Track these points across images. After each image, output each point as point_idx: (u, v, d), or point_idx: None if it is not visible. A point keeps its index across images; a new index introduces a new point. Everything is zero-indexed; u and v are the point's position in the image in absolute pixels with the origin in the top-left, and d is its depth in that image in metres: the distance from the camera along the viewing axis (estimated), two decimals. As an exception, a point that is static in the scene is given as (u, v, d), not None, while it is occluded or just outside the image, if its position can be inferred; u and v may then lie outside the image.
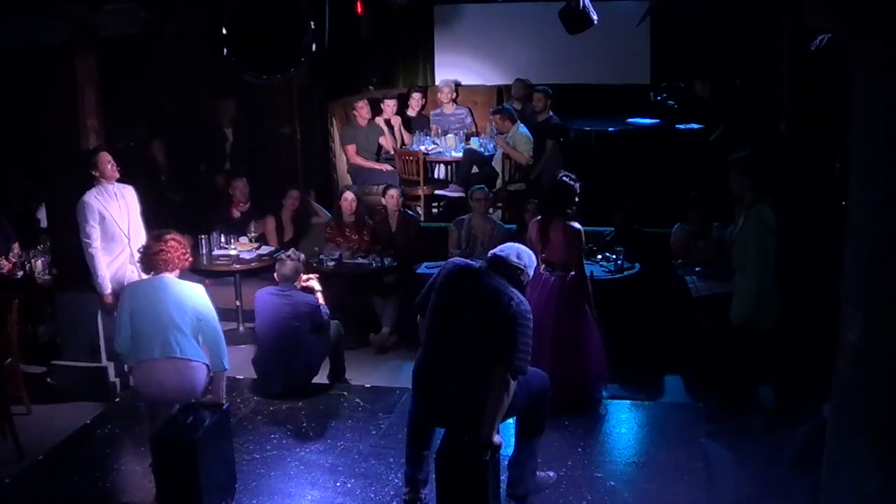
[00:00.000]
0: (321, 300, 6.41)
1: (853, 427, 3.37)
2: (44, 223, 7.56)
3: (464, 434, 4.38)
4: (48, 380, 6.72)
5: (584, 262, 6.85)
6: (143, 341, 4.89)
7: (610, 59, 10.22)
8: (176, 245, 5.03)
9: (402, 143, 10.00)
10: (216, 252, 7.75)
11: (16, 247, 7.35)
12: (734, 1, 8.49)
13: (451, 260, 4.91)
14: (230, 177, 8.59)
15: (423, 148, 9.65)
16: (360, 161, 9.65)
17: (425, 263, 7.62)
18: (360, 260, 7.71)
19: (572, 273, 5.94)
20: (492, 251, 4.62)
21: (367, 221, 8.17)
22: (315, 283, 6.47)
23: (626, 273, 7.10)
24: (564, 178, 6.01)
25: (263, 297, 6.36)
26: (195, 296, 5.00)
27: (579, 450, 5.49)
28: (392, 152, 9.81)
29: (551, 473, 5.09)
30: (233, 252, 7.77)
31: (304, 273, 6.50)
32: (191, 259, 5.27)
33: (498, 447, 4.47)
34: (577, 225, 5.88)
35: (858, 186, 3.32)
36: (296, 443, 5.66)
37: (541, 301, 5.78)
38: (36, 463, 5.54)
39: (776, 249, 5.50)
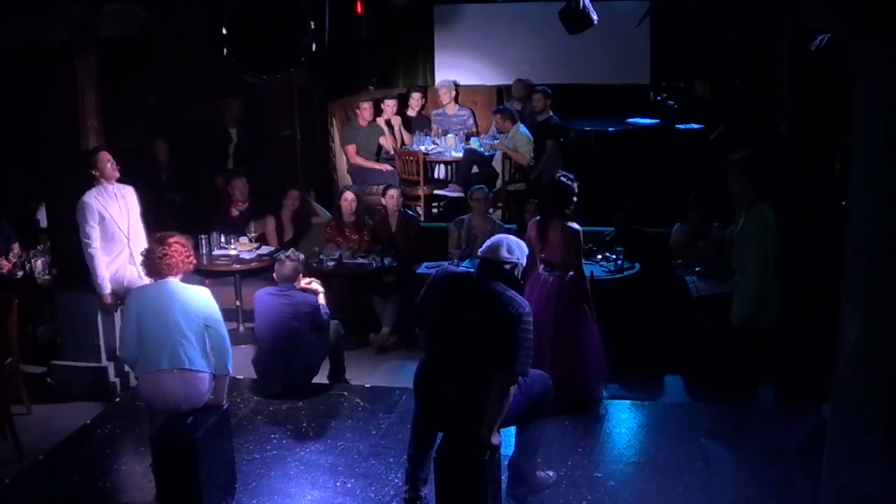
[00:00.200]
0: (322, 301, 6.41)
1: (853, 427, 3.37)
2: (44, 223, 7.56)
3: (464, 436, 4.38)
4: (48, 380, 6.72)
5: (584, 262, 6.86)
6: (150, 351, 4.80)
7: (610, 59, 10.22)
8: (180, 248, 4.96)
9: (402, 143, 10.00)
10: (216, 252, 7.75)
11: (16, 247, 7.35)
12: (734, 1, 8.49)
13: (441, 269, 4.91)
14: (230, 176, 8.60)
15: (423, 148, 9.66)
16: (360, 161, 9.65)
17: (425, 263, 7.62)
18: (360, 260, 7.71)
19: (571, 273, 5.95)
20: (480, 253, 4.56)
21: (367, 221, 8.17)
22: (317, 286, 6.46)
23: (626, 273, 7.10)
24: (562, 178, 6.01)
25: (263, 298, 6.37)
26: (202, 301, 4.92)
27: (579, 450, 5.49)
28: (392, 152, 9.81)
29: (551, 473, 5.10)
30: (233, 252, 7.78)
31: (304, 273, 6.50)
32: (194, 261, 5.21)
33: (498, 447, 4.47)
34: (575, 225, 5.88)
35: (858, 186, 3.32)
36: (296, 443, 5.66)
37: (540, 301, 5.78)
38: (36, 463, 5.54)
39: (776, 249, 5.50)
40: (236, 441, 5.43)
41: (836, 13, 3.57)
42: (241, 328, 7.66)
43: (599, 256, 7.28)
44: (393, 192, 8.14)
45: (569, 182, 5.98)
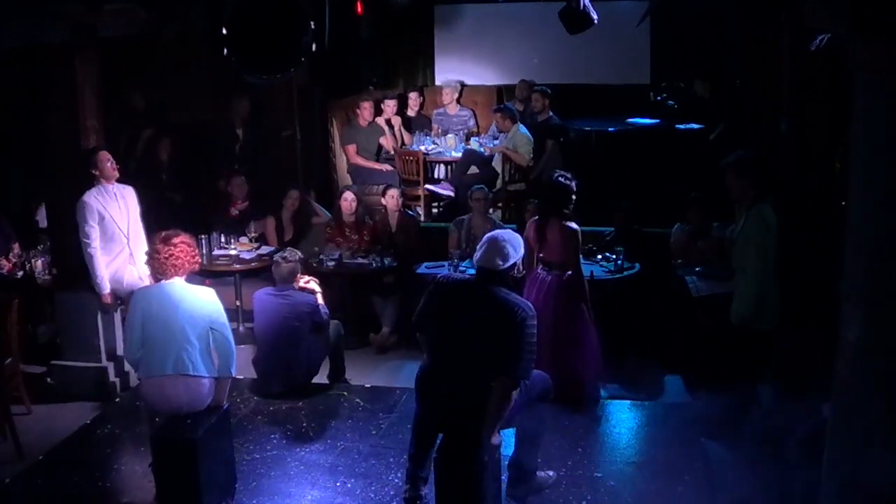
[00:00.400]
0: (320, 300, 6.41)
1: (853, 427, 3.37)
2: (44, 223, 7.56)
3: (464, 436, 4.38)
4: (48, 380, 6.72)
5: (584, 262, 6.86)
6: (154, 355, 4.77)
7: (610, 59, 10.22)
8: (185, 248, 4.91)
9: (402, 143, 10.00)
10: (216, 252, 7.75)
11: (16, 247, 7.34)
12: (734, 1, 8.48)
13: (441, 275, 4.91)
14: (229, 175, 8.59)
15: (423, 148, 9.66)
16: (360, 161, 9.65)
17: (425, 263, 7.63)
18: (360, 260, 7.71)
19: (569, 273, 5.95)
20: (476, 261, 4.52)
21: (367, 221, 8.17)
22: (314, 286, 6.46)
23: (626, 273, 7.10)
24: (561, 178, 6.02)
25: (262, 298, 6.37)
26: (207, 303, 4.88)
27: (579, 450, 5.49)
28: (392, 152, 9.81)
29: (551, 473, 5.10)
30: (233, 252, 7.78)
31: (303, 272, 6.50)
32: (199, 261, 5.15)
33: (498, 447, 4.47)
34: (573, 225, 5.89)
35: (858, 186, 3.31)
36: (296, 443, 5.66)
37: (538, 301, 5.79)
38: (36, 463, 5.54)
39: (776, 249, 5.51)
40: (236, 441, 5.43)
41: (836, 13, 3.57)
42: (241, 328, 7.66)
43: (599, 256, 7.28)
44: (393, 192, 8.14)
45: (567, 182, 5.98)
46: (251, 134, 9.19)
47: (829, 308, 3.83)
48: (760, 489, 4.89)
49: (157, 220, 6.70)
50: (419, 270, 7.51)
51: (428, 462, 4.72)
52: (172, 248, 4.86)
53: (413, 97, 10.37)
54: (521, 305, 4.34)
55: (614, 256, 7.18)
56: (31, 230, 7.76)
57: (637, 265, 7.21)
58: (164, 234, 4.96)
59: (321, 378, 6.54)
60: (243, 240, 7.94)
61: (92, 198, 6.24)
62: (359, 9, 9.47)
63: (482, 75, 10.85)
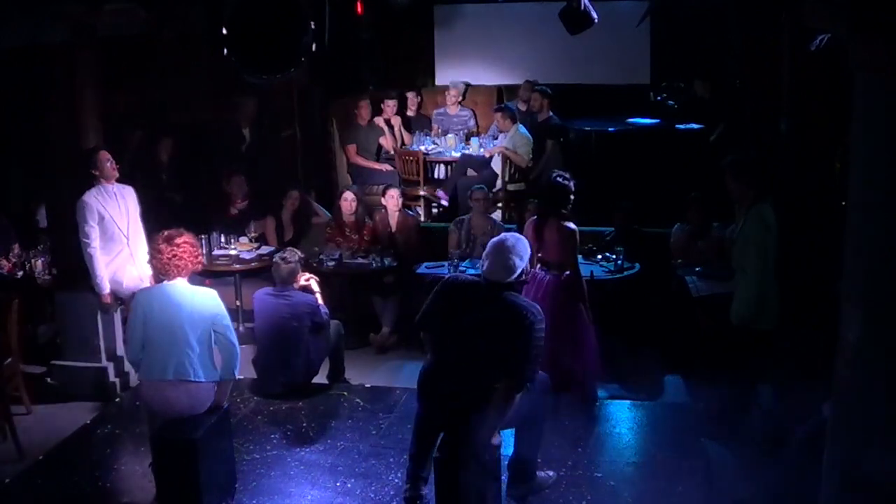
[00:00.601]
0: (320, 301, 6.41)
1: (853, 427, 3.37)
2: (44, 223, 7.56)
3: (465, 436, 4.38)
4: (48, 380, 6.72)
5: (585, 262, 6.88)
6: (156, 359, 4.75)
7: (610, 59, 10.21)
8: (188, 248, 4.86)
9: (402, 143, 10.00)
10: (216, 252, 7.75)
11: (16, 247, 7.35)
12: (734, 1, 8.48)
13: (449, 276, 4.91)
14: (229, 174, 8.59)
15: (423, 148, 9.66)
16: (360, 161, 9.65)
17: (425, 263, 7.63)
18: (360, 260, 7.71)
19: (567, 273, 5.96)
20: (484, 274, 4.47)
21: (367, 221, 8.17)
22: (314, 285, 6.46)
23: (626, 273, 7.11)
24: (559, 178, 6.03)
25: (262, 298, 6.37)
26: (210, 306, 4.82)
27: (579, 450, 5.49)
28: (392, 152, 9.81)
29: (551, 473, 5.10)
30: (233, 252, 7.79)
31: (303, 271, 6.49)
32: (202, 261, 5.09)
33: (498, 447, 4.47)
34: (571, 225, 5.90)
35: (858, 186, 3.31)
36: (296, 443, 5.66)
37: (536, 300, 5.77)
38: (36, 463, 5.54)
39: (776, 249, 5.51)
40: (236, 441, 5.43)
41: (836, 13, 3.56)
42: (241, 328, 7.66)
43: (599, 256, 7.28)
44: (393, 192, 8.14)
45: (565, 182, 5.99)
46: (256, 134, 9.19)
47: (829, 308, 3.83)
48: (760, 489, 4.89)
49: (157, 220, 6.70)
50: (419, 270, 7.52)
51: (429, 462, 4.71)
52: (175, 248, 4.82)
53: (410, 97, 10.38)
54: (530, 309, 4.33)
55: (614, 256, 7.18)
56: (31, 230, 7.76)
57: (637, 265, 7.21)
58: (166, 233, 4.90)
59: (321, 378, 6.54)
60: (243, 240, 7.94)
61: (92, 198, 6.24)
62: (359, 9, 9.48)
63: (482, 75, 10.85)
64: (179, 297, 4.81)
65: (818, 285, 5.99)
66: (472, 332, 4.37)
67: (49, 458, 5.58)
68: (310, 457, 5.50)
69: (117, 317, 6.71)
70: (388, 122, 9.98)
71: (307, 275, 6.51)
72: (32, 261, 7.29)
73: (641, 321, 7.13)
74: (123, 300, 6.51)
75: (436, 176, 10.18)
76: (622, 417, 6.04)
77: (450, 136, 9.87)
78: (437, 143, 9.83)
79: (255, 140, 9.15)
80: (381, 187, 8.55)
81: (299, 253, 6.55)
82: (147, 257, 5.09)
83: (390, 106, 10.01)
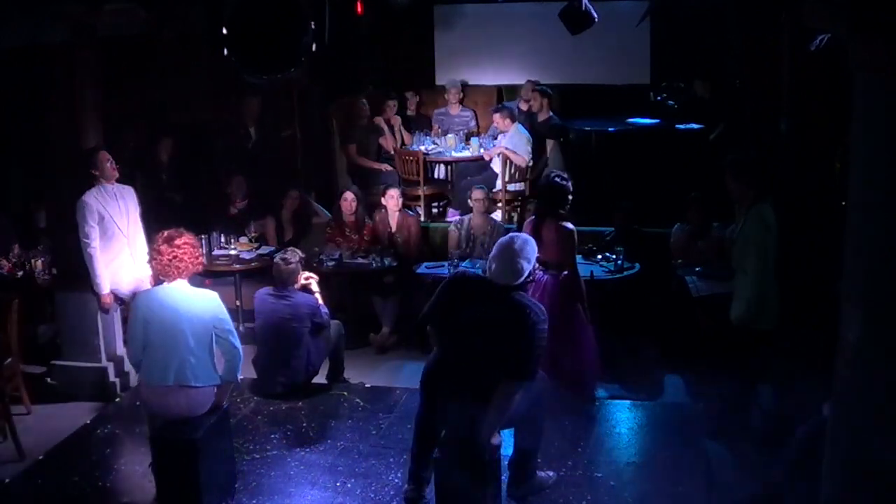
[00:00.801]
0: (320, 300, 6.41)
1: (853, 427, 3.37)
2: (43, 223, 7.56)
3: (465, 436, 4.38)
4: (48, 380, 6.72)
5: (585, 262, 6.88)
6: (156, 363, 4.73)
7: (610, 59, 10.21)
8: (189, 249, 4.81)
9: (402, 143, 10.00)
10: (216, 252, 7.76)
11: (16, 247, 7.35)
12: (734, 1, 8.49)
13: (457, 271, 4.93)
14: (229, 173, 8.59)
15: (423, 148, 9.65)
16: (360, 161, 9.65)
17: (425, 263, 7.64)
18: (360, 260, 7.71)
19: (565, 273, 5.96)
20: (491, 277, 4.45)
21: (367, 221, 8.17)
22: (314, 285, 6.46)
23: (626, 273, 7.10)
24: (557, 178, 6.05)
25: (263, 298, 6.37)
26: (211, 308, 4.79)
27: (579, 450, 5.49)
28: (392, 152, 9.81)
29: (551, 473, 5.10)
30: (233, 252, 7.79)
31: (304, 272, 6.49)
32: (203, 261, 5.04)
33: (498, 447, 4.47)
34: (569, 225, 5.91)
35: (858, 186, 3.31)
36: (296, 443, 5.66)
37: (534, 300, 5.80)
38: (36, 463, 5.54)
39: (776, 249, 5.51)
40: (236, 441, 5.43)
41: (836, 13, 3.56)
42: (241, 328, 7.66)
43: (599, 256, 7.28)
44: (393, 192, 8.13)
45: (563, 182, 6.00)
46: (261, 132, 9.20)
47: (829, 308, 3.83)
48: (760, 490, 4.89)
49: (157, 220, 6.70)
50: (419, 270, 7.52)
51: (430, 461, 4.71)
52: (176, 249, 4.78)
53: (411, 97, 10.37)
54: (533, 308, 4.34)
55: (614, 256, 7.18)
56: (31, 230, 7.76)
57: (637, 265, 7.21)
58: (166, 234, 4.86)
59: (321, 378, 6.54)
60: (243, 240, 7.94)
61: (92, 198, 6.24)
62: (359, 9, 9.47)
63: (482, 75, 10.84)
64: (180, 300, 4.78)
65: (818, 285, 6.00)
66: (476, 328, 4.38)
67: (49, 458, 5.58)
68: (310, 457, 5.49)
69: (117, 317, 6.71)
70: (388, 122, 9.98)
71: (307, 274, 6.51)
72: (32, 261, 7.28)
73: (641, 321, 7.13)
74: (123, 300, 6.51)
75: (436, 176, 10.18)
76: (622, 417, 6.04)
77: (450, 136, 9.86)
78: (437, 143, 9.82)
79: (260, 138, 9.14)
80: (381, 187, 8.54)
81: (300, 253, 6.54)
82: (147, 257, 5.06)
83: (390, 106, 10.01)
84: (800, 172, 7.00)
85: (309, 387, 6.36)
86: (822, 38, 5.73)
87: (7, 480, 5.35)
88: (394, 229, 8.09)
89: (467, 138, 9.90)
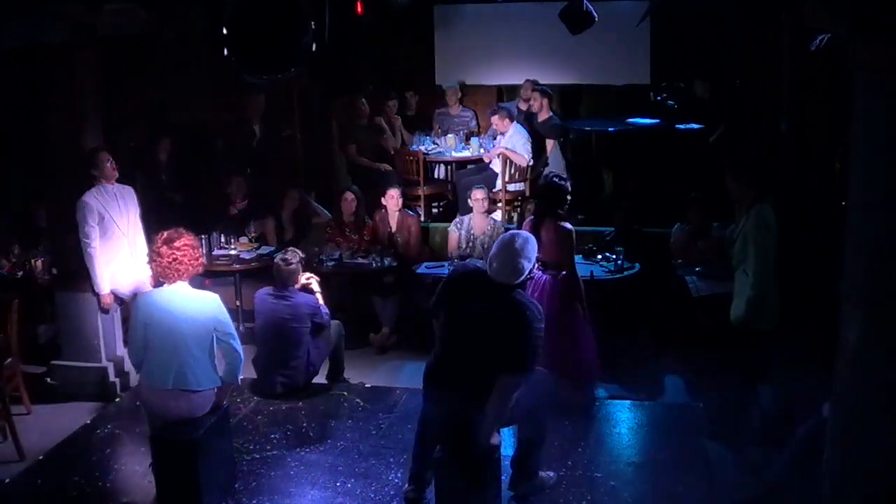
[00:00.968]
0: (321, 300, 6.41)
1: (853, 427, 3.37)
2: (44, 223, 7.56)
3: (465, 434, 4.38)
4: (48, 380, 6.72)
5: (585, 262, 6.88)
6: (157, 366, 4.71)
7: (610, 59, 10.21)
8: (189, 251, 4.77)
9: (402, 143, 10.00)
10: (216, 252, 7.75)
11: (16, 247, 7.35)
12: (734, 1, 8.49)
13: (460, 264, 4.92)
14: (229, 173, 8.59)
15: (423, 148, 9.65)
16: (360, 161, 9.65)
17: (425, 263, 7.63)
18: (360, 260, 7.71)
19: (564, 273, 5.96)
20: (491, 275, 4.44)
21: (367, 221, 8.17)
22: (315, 285, 6.46)
23: (626, 273, 7.10)
24: (555, 178, 6.07)
25: (263, 298, 6.36)
26: (211, 311, 4.75)
27: (579, 450, 5.49)
28: (392, 152, 9.81)
29: (551, 473, 5.10)
30: (233, 252, 7.78)
31: (304, 272, 6.49)
32: (203, 262, 4.99)
33: (498, 447, 4.47)
34: (568, 225, 5.92)
35: (858, 186, 3.31)
36: (296, 443, 5.66)
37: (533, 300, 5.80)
38: (36, 463, 5.54)
39: (776, 249, 5.51)
40: (236, 441, 5.43)
41: (836, 13, 3.56)
42: (241, 328, 7.66)
43: (599, 256, 7.28)
44: (393, 192, 8.13)
45: (561, 182, 6.02)
46: (266, 130, 9.20)
47: (829, 308, 3.83)
48: (760, 489, 4.89)
49: (157, 220, 6.71)
50: (419, 270, 7.52)
51: (431, 462, 4.71)
52: (175, 251, 4.74)
53: (411, 97, 10.37)
54: (529, 306, 4.34)
55: (614, 256, 7.18)
56: (31, 230, 7.77)
57: (637, 265, 7.21)
58: (166, 235, 4.82)
59: (321, 378, 6.54)
60: (243, 240, 7.94)
61: (92, 198, 6.24)
62: (359, 9, 9.47)
63: (482, 75, 10.84)
64: (180, 303, 4.75)
65: (818, 285, 6.00)
66: (474, 325, 4.39)
67: (49, 458, 5.57)
68: (310, 457, 5.49)
69: (117, 317, 6.71)
70: (388, 122, 9.98)
71: (307, 274, 6.51)
72: (32, 261, 7.29)
73: (641, 321, 7.13)
74: (124, 300, 6.52)
75: (436, 176, 10.18)
76: (622, 417, 6.04)
77: (450, 136, 9.86)
78: (437, 143, 9.83)
79: (264, 136, 9.15)
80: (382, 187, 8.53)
81: (300, 253, 6.53)
82: (147, 258, 5.04)
83: (390, 106, 10.01)
84: (800, 172, 7.00)
85: (309, 387, 6.36)
86: (822, 38, 5.73)
87: (7, 480, 5.35)
88: (394, 229, 8.09)
89: (467, 138, 9.90)
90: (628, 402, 6.31)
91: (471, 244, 7.70)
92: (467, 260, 7.20)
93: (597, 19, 6.67)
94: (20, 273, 7.24)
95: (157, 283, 4.97)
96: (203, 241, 7.55)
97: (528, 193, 9.13)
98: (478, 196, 7.77)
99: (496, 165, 9.27)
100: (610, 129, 9.67)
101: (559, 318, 5.91)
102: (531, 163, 9.12)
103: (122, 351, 6.74)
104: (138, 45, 7.56)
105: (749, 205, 5.53)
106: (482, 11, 10.69)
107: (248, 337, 7.26)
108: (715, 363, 6.10)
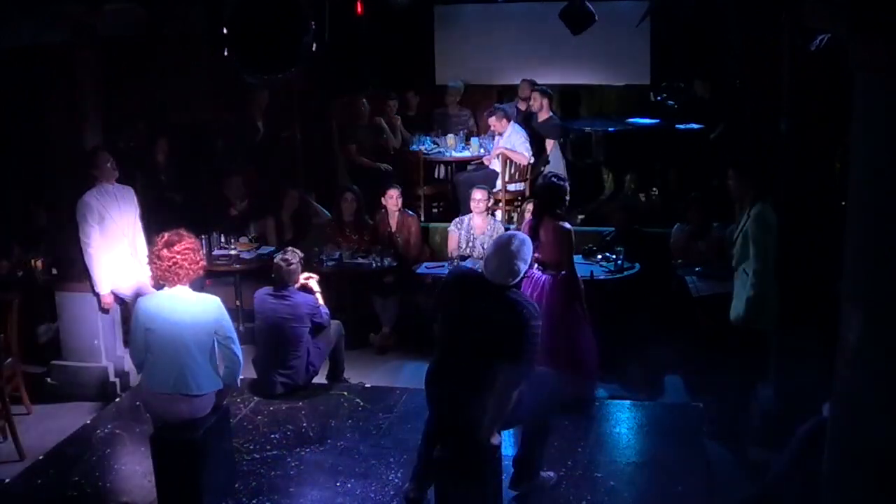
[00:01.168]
0: (320, 300, 6.40)
1: (853, 427, 3.37)
2: (44, 223, 7.56)
3: (465, 435, 4.38)
4: (48, 380, 6.72)
5: (584, 262, 6.88)
6: (158, 370, 4.70)
7: (610, 59, 10.21)
8: (189, 255, 4.74)
9: (403, 143, 10.00)
10: (216, 252, 7.75)
11: (16, 247, 7.35)
12: (734, 1, 8.48)
13: (456, 266, 4.93)
14: (229, 173, 8.58)
15: (423, 148, 9.65)
16: (360, 161, 9.65)
17: (425, 263, 7.64)
18: (360, 260, 7.71)
19: (563, 272, 5.97)
20: (488, 276, 4.45)
21: (367, 221, 8.17)
22: (314, 284, 6.46)
23: (626, 273, 7.10)
24: (553, 179, 6.07)
25: (262, 298, 6.36)
26: (213, 315, 4.74)
27: (579, 450, 5.49)
28: (392, 152, 9.81)
29: (551, 473, 5.10)
30: (233, 252, 7.78)
31: (304, 271, 6.49)
32: (204, 265, 4.95)
33: (498, 447, 4.47)
34: (567, 225, 5.93)
35: (858, 186, 3.31)
36: (296, 443, 5.66)
37: (533, 300, 5.79)
38: (36, 463, 5.53)
39: (776, 249, 5.51)
40: (236, 441, 5.43)
41: (836, 13, 3.57)
42: (241, 328, 7.66)
43: (599, 256, 7.28)
44: (393, 192, 8.13)
45: (560, 182, 6.02)
46: (268, 127, 9.19)
47: (829, 308, 3.83)
48: (760, 490, 4.89)
49: (157, 220, 6.70)
50: (419, 270, 7.52)
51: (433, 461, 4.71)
52: (176, 255, 4.70)
53: (412, 97, 10.37)
54: (526, 306, 4.35)
55: (614, 256, 7.18)
56: (31, 230, 7.77)
57: (637, 265, 7.21)
58: (166, 238, 4.78)
59: (321, 378, 6.54)
60: (243, 240, 7.94)
61: (92, 198, 6.24)
62: (359, 9, 9.46)
63: (482, 75, 10.83)
64: (181, 307, 4.73)
65: (818, 285, 6.00)
66: (472, 325, 4.39)
67: (49, 458, 5.57)
68: (310, 457, 5.49)
69: (117, 317, 6.72)
70: (388, 121, 9.98)
71: (306, 274, 6.51)
72: (32, 261, 7.29)
73: (641, 321, 7.13)
74: (124, 300, 6.52)
75: (436, 176, 10.17)
76: (622, 417, 6.04)
77: (450, 136, 9.86)
78: (437, 143, 9.83)
79: (268, 132, 9.14)
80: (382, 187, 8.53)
81: (300, 253, 6.54)
82: (147, 259, 5.02)
83: (391, 106, 10.01)
84: (800, 172, 6.98)
85: (309, 387, 6.36)
86: (822, 38, 5.73)
87: (7, 480, 5.35)
88: (394, 229, 8.09)
89: (467, 138, 9.90)
90: (628, 402, 6.31)
91: (471, 244, 7.69)
92: (465, 263, 7.21)
93: (596, 19, 6.66)
94: (20, 273, 7.24)
95: (158, 284, 4.96)
96: (203, 241, 7.56)
97: (528, 193, 9.13)
98: (476, 197, 7.76)
99: (496, 165, 9.27)
100: (610, 129, 9.67)
101: (559, 318, 5.91)
102: (531, 160, 9.10)
103: (122, 351, 6.74)
104: (138, 45, 7.56)
105: (749, 205, 5.53)
106: (482, 11, 10.68)
107: (248, 337, 7.27)
108: (715, 363, 6.09)
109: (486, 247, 7.32)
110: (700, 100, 9.59)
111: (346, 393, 6.36)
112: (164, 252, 4.72)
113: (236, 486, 5.09)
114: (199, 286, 5.05)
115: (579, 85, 10.51)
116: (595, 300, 6.19)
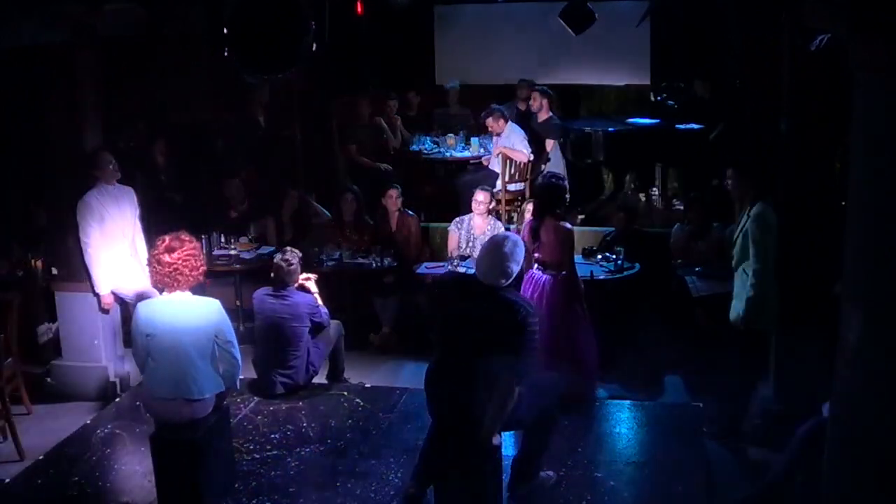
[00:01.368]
0: (319, 301, 6.40)
1: (853, 427, 3.38)
2: (44, 223, 7.56)
3: (465, 434, 4.39)
4: (48, 380, 6.72)
5: (584, 262, 6.88)
6: (159, 374, 4.68)
7: (610, 59, 10.21)
8: (190, 260, 4.71)
9: (403, 143, 10.00)
10: (216, 252, 7.75)
11: (16, 247, 7.34)
12: (734, 1, 8.48)
13: (452, 271, 4.94)
14: (229, 174, 8.58)
15: (423, 148, 9.65)
16: (360, 161, 9.65)
17: (425, 263, 7.64)
18: (360, 260, 7.71)
19: (564, 273, 5.97)
20: (480, 278, 4.46)
21: (367, 221, 8.17)
22: (311, 285, 6.45)
23: (626, 273, 7.10)
24: (553, 179, 6.07)
25: (262, 298, 6.36)
26: (213, 319, 4.73)
27: (579, 450, 5.49)
28: (392, 152, 9.80)
29: (551, 473, 5.10)
30: (233, 252, 7.78)
31: (303, 271, 6.48)
32: (205, 269, 4.91)
33: (498, 448, 4.47)
34: (567, 225, 5.93)
35: (858, 186, 3.32)
36: (296, 443, 5.66)
37: (533, 300, 5.80)
38: (36, 463, 5.53)
39: (776, 249, 5.51)
40: (236, 441, 5.43)
41: (836, 13, 3.57)
42: (241, 328, 7.66)
43: (599, 256, 7.28)
44: (393, 192, 8.13)
45: (559, 182, 6.02)
46: (270, 123, 9.19)
47: (829, 308, 3.84)
48: (760, 490, 4.89)
49: (157, 221, 6.70)
50: (419, 270, 7.52)
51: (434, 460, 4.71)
52: (177, 261, 4.67)
53: (412, 97, 10.37)
54: (522, 304, 4.36)
55: (614, 256, 7.18)
56: (31, 230, 7.77)
57: (637, 265, 7.21)
58: (167, 241, 4.74)
59: (321, 378, 6.54)
60: (243, 240, 7.94)
61: (92, 198, 6.24)
62: (359, 9, 9.46)
63: (482, 75, 10.83)
64: (181, 312, 4.72)
65: (818, 285, 6.00)
66: (469, 327, 4.40)
67: (49, 458, 5.57)
68: (310, 457, 5.49)
69: (117, 317, 6.71)
70: (388, 121, 9.98)
71: (305, 274, 6.51)
72: (32, 261, 7.29)
73: (641, 321, 7.13)
74: (124, 300, 6.51)
75: (436, 176, 10.17)
76: (622, 417, 6.03)
77: (450, 136, 9.86)
78: (437, 143, 9.83)
79: (270, 128, 9.13)
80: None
81: (299, 253, 6.53)
82: (147, 262, 5.00)
83: (391, 106, 10.01)
84: (800, 172, 6.98)
85: (309, 387, 6.36)
86: (822, 38, 5.73)
87: (7, 480, 5.35)
88: (394, 229, 8.09)
89: (467, 138, 9.89)
90: (628, 402, 6.31)
91: (471, 244, 7.69)
92: (465, 263, 7.22)
93: (597, 19, 6.67)
94: (20, 273, 7.24)
95: (157, 288, 4.96)
96: (203, 242, 7.56)
97: (527, 194, 9.13)
98: (479, 198, 7.75)
99: (496, 165, 9.26)
100: (610, 129, 9.67)
101: (559, 318, 5.92)
102: (531, 158, 9.08)
103: (121, 351, 6.74)
104: (138, 45, 7.56)
105: (749, 205, 5.53)
106: (482, 11, 10.69)
107: (248, 337, 7.27)
108: (715, 363, 6.10)
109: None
110: (700, 100, 9.59)
111: (346, 393, 6.36)
112: (165, 258, 4.69)
113: (236, 486, 5.09)
114: (199, 288, 5.03)
115: (579, 85, 10.50)
116: (595, 300, 6.19)
